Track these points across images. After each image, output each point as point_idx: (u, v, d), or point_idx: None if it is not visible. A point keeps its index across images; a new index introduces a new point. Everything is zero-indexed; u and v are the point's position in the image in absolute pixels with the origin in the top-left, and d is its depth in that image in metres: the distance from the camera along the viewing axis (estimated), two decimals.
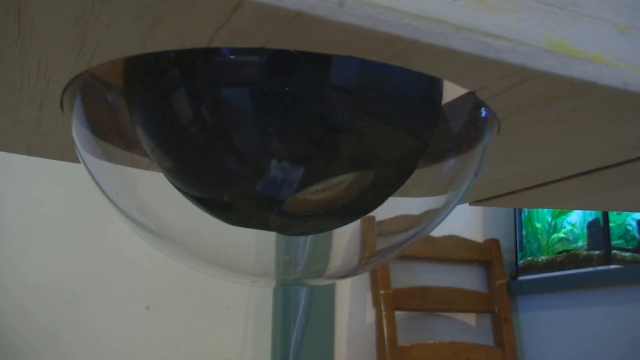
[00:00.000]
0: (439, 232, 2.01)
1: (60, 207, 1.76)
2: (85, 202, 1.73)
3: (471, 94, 0.33)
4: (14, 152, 0.44)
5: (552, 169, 0.45)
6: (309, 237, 0.42)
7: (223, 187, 0.35)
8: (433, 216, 0.40)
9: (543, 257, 2.19)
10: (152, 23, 0.26)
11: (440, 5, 0.27)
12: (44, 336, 1.72)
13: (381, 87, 0.32)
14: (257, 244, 0.41)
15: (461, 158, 0.39)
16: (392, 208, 0.39)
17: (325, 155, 0.34)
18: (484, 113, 0.35)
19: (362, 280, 2.09)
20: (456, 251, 2.21)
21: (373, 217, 0.40)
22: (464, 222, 2.21)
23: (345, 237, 0.41)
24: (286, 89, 0.31)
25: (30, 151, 0.44)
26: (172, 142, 0.34)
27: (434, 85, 0.33)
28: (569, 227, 2.15)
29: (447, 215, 0.41)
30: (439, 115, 0.35)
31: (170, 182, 0.36)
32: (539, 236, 2.23)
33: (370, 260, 0.43)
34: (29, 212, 1.75)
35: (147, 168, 0.38)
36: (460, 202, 0.42)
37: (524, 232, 2.27)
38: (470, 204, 0.58)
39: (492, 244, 2.26)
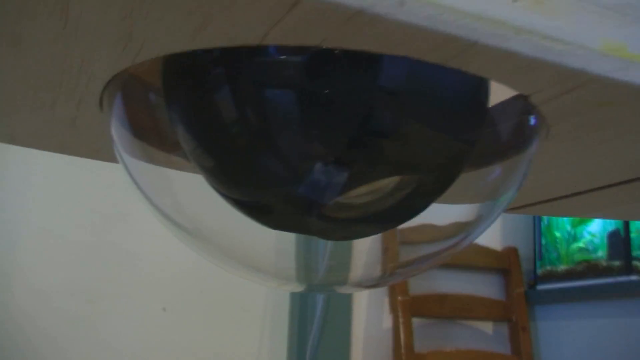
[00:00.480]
0: None
1: (74, 208, 1.76)
2: (100, 204, 1.74)
3: (521, 98, 0.32)
4: (47, 149, 0.43)
5: (593, 177, 0.44)
6: (330, 243, 0.41)
7: (264, 189, 0.34)
8: (465, 228, 0.40)
9: (562, 267, 2.17)
10: (204, 20, 0.25)
11: (500, 7, 0.26)
12: (57, 339, 1.71)
13: (428, 89, 0.31)
14: (288, 247, 0.40)
15: (507, 164, 0.38)
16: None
17: (369, 158, 0.33)
18: (533, 119, 0.34)
19: None
20: (475, 258, 2.20)
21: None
22: None
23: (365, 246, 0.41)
24: (330, 90, 0.31)
25: (63, 149, 0.43)
26: (213, 142, 0.33)
27: (481, 88, 0.32)
28: (588, 237, 2.13)
29: (488, 225, 0.40)
30: (485, 119, 0.34)
31: (209, 183, 0.35)
32: (559, 245, 2.21)
33: (397, 272, 0.42)
34: (42, 214, 1.76)
35: (184, 169, 0.37)
36: (503, 211, 0.41)
37: (543, 241, 2.25)
38: (506, 211, 0.57)
39: (510, 252, 2.24)
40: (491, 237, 2.22)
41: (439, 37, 0.25)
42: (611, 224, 2.06)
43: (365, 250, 0.42)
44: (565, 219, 2.17)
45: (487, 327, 2.25)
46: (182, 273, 1.77)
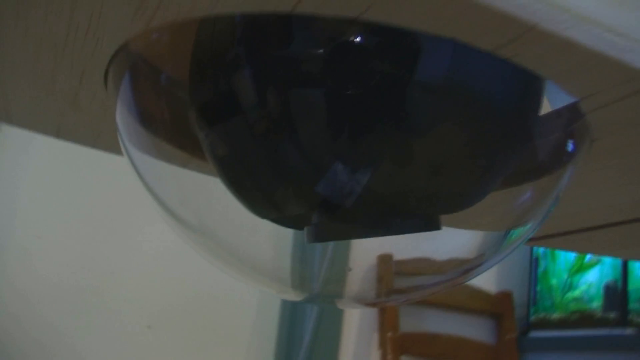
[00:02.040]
0: None
1: (63, 215, 1.74)
2: (90, 216, 1.72)
3: (567, 109, 0.29)
4: (43, 132, 0.40)
5: (629, 208, 0.41)
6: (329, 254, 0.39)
7: (278, 183, 0.31)
8: (462, 265, 0.37)
9: (556, 315, 2.14)
10: None
11: None
12: (41, 346, 1.68)
13: (469, 87, 0.28)
14: (293, 252, 0.37)
15: (538, 186, 0.35)
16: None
17: (397, 159, 0.30)
18: (573, 137, 0.31)
19: (370, 320, 2.05)
20: (468, 300, 2.16)
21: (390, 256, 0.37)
22: None
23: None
24: (356, 85, 0.28)
25: (60, 133, 0.40)
26: (234, 130, 0.30)
27: (531, 91, 0.29)
28: (584, 287, 2.09)
29: (505, 256, 0.37)
30: (532, 129, 0.31)
31: (221, 178, 0.32)
32: (554, 293, 2.18)
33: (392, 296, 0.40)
34: (30, 221, 1.73)
35: (192, 167, 0.34)
36: (515, 248, 0.38)
37: (538, 287, 2.22)
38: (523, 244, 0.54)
39: (505, 297, 2.21)
40: (486, 280, 2.18)
41: (494, 17, 0.22)
42: (608, 275, 2.02)
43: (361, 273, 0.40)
44: (562, 266, 2.14)
45: None
46: (168, 290, 1.74)
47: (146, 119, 0.34)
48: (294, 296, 0.40)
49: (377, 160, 0.30)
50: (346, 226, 0.33)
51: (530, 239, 0.54)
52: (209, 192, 0.34)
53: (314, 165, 0.30)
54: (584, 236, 0.47)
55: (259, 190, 0.32)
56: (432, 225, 0.34)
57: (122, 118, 0.33)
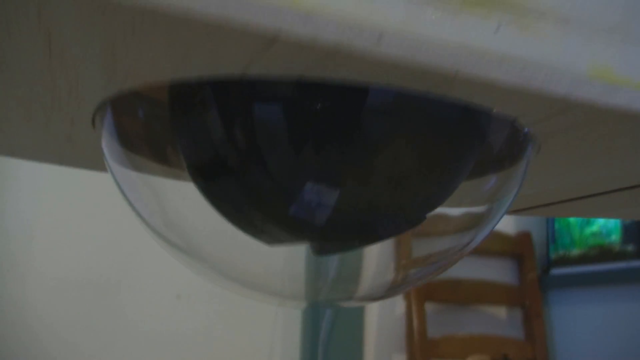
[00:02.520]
0: None
1: (88, 200, 1.77)
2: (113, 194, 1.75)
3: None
4: (45, 162, 0.44)
5: (593, 184, 0.44)
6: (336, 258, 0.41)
7: (257, 209, 0.34)
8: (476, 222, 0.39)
9: (575, 251, 2.17)
10: (185, 54, 0.25)
11: (483, 35, 0.26)
12: (73, 328, 1.73)
13: (418, 110, 0.31)
14: (286, 264, 0.40)
15: (502, 175, 0.38)
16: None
17: (359, 177, 0.33)
18: (522, 136, 0.34)
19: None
20: (488, 244, 2.19)
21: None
22: None
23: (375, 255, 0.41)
24: (317, 112, 0.31)
25: (61, 162, 0.44)
26: (207, 162, 0.33)
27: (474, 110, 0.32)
28: (602, 221, 2.12)
29: (489, 228, 0.40)
30: (480, 139, 0.34)
31: (205, 197, 0.35)
32: (572, 229, 2.20)
33: (408, 277, 0.42)
34: (56, 206, 1.77)
35: (177, 178, 0.37)
36: (502, 215, 0.41)
37: (556, 226, 2.25)
38: (507, 213, 0.57)
39: (524, 237, 2.24)
40: (505, 223, 2.21)
41: (419, 68, 0.25)
42: None
43: (375, 257, 0.41)
44: None
45: (501, 312, 2.25)
46: None
47: (128, 142, 0.36)
48: (300, 304, 0.42)
49: (342, 179, 0.33)
50: (339, 240, 0.36)
51: (515, 210, 0.57)
52: (195, 211, 0.37)
53: (284, 190, 0.33)
54: (557, 206, 0.50)
55: (242, 218, 0.35)
56: (417, 220, 0.37)
57: (107, 143, 0.36)
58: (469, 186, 0.38)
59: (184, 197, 0.37)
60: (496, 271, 2.24)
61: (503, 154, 0.37)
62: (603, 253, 2.07)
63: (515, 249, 2.25)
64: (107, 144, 0.36)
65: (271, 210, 0.34)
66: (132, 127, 0.36)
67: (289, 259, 0.39)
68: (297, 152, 0.32)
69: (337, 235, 0.36)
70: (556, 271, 2.21)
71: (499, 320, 2.24)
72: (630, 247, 1.99)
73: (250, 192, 0.34)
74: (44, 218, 1.77)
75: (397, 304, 2.10)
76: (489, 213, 0.39)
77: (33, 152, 0.42)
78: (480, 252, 2.20)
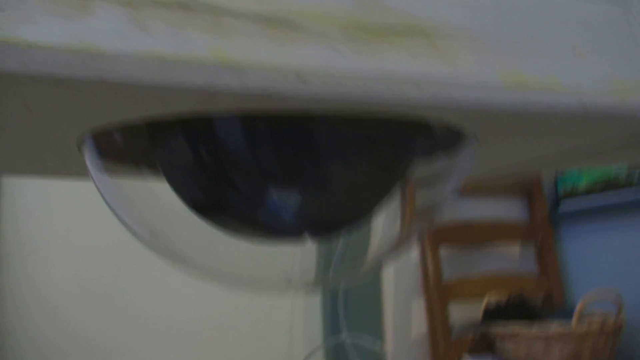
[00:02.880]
0: None
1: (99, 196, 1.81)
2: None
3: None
4: (49, 178, 0.49)
5: (543, 159, 0.48)
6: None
7: (233, 217, 0.39)
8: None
9: (582, 183, 2.19)
10: (139, 104, 0.29)
11: (398, 61, 0.30)
12: (86, 323, 1.79)
13: (352, 132, 0.36)
14: (280, 254, 0.44)
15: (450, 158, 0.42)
16: None
17: (316, 184, 0.38)
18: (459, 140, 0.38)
19: None
20: (496, 183, 2.22)
21: None
22: None
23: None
24: (266, 144, 0.35)
25: (64, 178, 0.48)
26: (182, 180, 0.38)
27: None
28: None
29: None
30: (414, 150, 0.39)
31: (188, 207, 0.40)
32: None
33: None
34: (69, 203, 1.82)
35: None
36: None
37: None
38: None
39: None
40: None
41: (342, 100, 0.29)
42: None
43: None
44: None
45: (514, 250, 2.29)
46: None
47: (110, 160, 0.40)
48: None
49: (303, 185, 0.38)
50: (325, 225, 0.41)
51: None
52: (178, 218, 0.41)
53: (251, 200, 0.38)
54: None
55: (225, 223, 0.40)
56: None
57: (91, 161, 0.40)
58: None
59: (167, 203, 0.41)
60: (507, 210, 2.27)
61: (445, 145, 0.41)
62: (609, 184, 2.10)
63: (524, 186, 2.28)
64: (91, 162, 0.40)
65: (248, 219, 0.39)
66: (111, 148, 0.40)
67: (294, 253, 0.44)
68: (255, 171, 0.37)
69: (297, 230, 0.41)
70: (566, 205, 2.24)
71: (512, 258, 2.28)
72: (635, 177, 2.02)
73: (224, 204, 0.38)
74: (57, 216, 1.83)
75: (412, 250, 2.14)
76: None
77: (36, 175, 0.47)
78: (490, 192, 2.24)
